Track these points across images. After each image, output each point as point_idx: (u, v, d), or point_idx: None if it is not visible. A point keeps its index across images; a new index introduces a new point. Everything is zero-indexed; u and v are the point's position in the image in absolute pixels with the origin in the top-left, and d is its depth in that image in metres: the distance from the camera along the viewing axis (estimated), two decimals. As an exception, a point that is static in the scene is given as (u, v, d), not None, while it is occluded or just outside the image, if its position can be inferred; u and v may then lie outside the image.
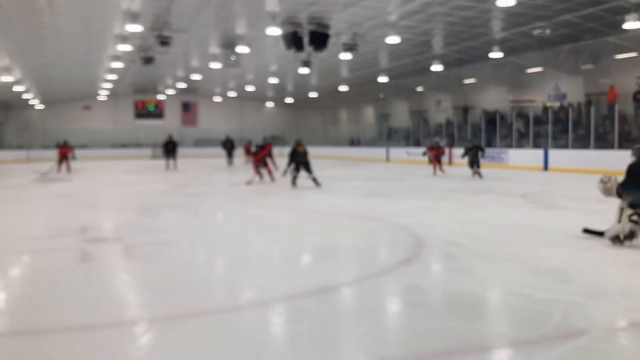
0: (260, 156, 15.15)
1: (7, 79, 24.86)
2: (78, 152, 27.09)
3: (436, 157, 17.66)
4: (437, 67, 26.02)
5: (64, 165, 20.45)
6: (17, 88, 28.97)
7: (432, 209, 9.73)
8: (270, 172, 15.16)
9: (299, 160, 13.47)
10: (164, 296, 4.41)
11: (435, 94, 31.79)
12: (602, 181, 6.21)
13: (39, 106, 38.72)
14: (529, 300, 4.16)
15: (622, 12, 15.64)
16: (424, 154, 18.11)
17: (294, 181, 13.51)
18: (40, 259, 6.02)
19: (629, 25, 15.54)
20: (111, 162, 30.43)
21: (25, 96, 33.44)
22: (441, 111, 31.48)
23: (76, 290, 4.63)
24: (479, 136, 25.17)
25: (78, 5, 15.14)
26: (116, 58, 24.02)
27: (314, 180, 13.43)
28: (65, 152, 20.63)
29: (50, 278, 5.06)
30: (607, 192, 6.13)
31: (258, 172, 15.10)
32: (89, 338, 3.57)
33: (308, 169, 13.50)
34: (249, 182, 14.61)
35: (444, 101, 31.55)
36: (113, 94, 39.06)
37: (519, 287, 4.52)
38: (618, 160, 9.83)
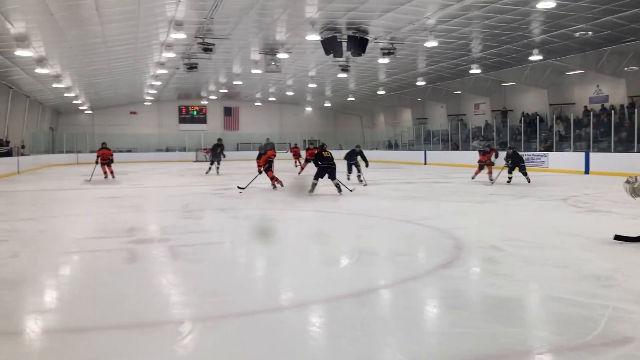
0: (261, 162, 14.35)
1: (59, 85, 25.93)
2: (125, 156, 27.89)
3: (487, 163, 15.99)
4: (475, 70, 25.82)
5: (107, 171, 19.47)
6: (67, 94, 30.16)
7: (472, 213, 9.71)
8: (274, 179, 14.34)
9: (324, 166, 12.89)
10: (208, 296, 4.55)
11: (473, 97, 31.52)
12: (627, 182, 6.11)
13: (88, 111, 40.25)
14: (571, 306, 4.13)
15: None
16: (481, 166, 16.19)
17: (312, 189, 12.83)
18: (89, 258, 6.29)
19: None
20: (156, 165, 31.19)
21: (75, 102, 34.76)
22: (479, 114, 31.19)
23: (123, 290, 4.81)
24: (518, 139, 24.84)
25: (125, 14, 15.68)
26: (161, 65, 24.69)
27: (337, 186, 12.85)
28: (105, 155, 19.51)
29: (99, 277, 5.26)
30: (634, 192, 6.03)
31: (273, 179, 14.42)
32: (136, 336, 3.71)
33: (333, 175, 12.85)
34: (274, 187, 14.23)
35: (483, 104, 31.25)
36: (158, 99, 40.16)
37: (561, 291, 4.49)
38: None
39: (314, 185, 12.89)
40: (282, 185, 14.32)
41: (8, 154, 24.21)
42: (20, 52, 17.31)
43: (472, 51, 22.77)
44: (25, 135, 30.16)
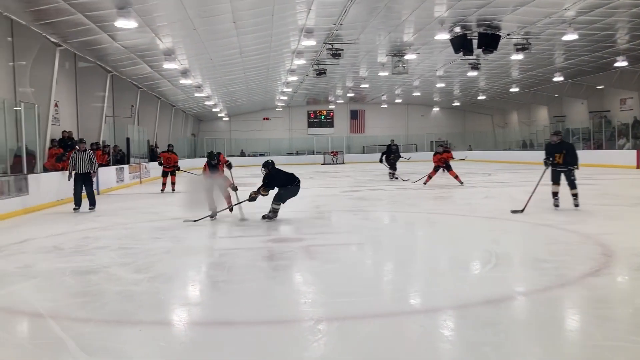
0: (221, 165, 10.25)
1: (200, 95, 27.98)
2: (258, 160, 28.61)
3: None
4: (621, 63, 23.70)
5: (170, 182, 16.09)
6: (207, 103, 32.44)
7: (622, 217, 8.93)
8: (226, 200, 9.98)
9: (282, 184, 9.33)
10: (342, 296, 4.63)
11: (619, 91, 28.99)
12: None
13: (225, 118, 43.10)
14: None
15: None
16: None
17: (269, 215, 9.29)
18: (231, 255, 6.66)
19: None
20: (287, 168, 32.33)
21: (214, 110, 37.33)
22: (626, 110, 28.60)
23: (264, 286, 5.07)
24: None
25: (260, 25, 16.50)
26: (292, 72, 25.65)
27: (268, 215, 9.29)
28: (170, 160, 16.05)
29: (241, 274, 5.57)
30: None
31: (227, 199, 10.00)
32: (278, 332, 3.86)
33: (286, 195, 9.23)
34: (211, 217, 9.61)
35: (630, 99, 28.62)
36: (288, 105, 41.83)
37: None
38: None
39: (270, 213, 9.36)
40: (231, 209, 10.00)
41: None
42: (167, 65, 18.95)
43: (618, 42, 20.94)
44: (171, 142, 32.84)
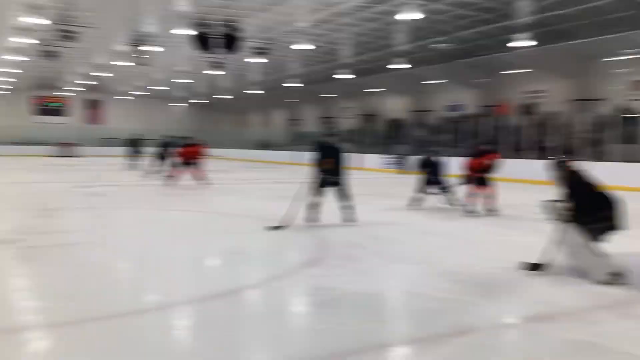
0: None
1: None
2: None
3: (479, 177, 9.38)
4: (344, 75, 26.65)
5: None
6: None
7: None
8: None
9: None
10: (64, 300, 4.35)
11: (343, 101, 32.66)
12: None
13: None
14: (426, 300, 4.42)
15: (511, 31, 16.63)
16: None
17: None
18: None
19: (517, 43, 16.18)
20: (9, 160, 28.39)
21: None
22: (348, 118, 32.33)
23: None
24: (384, 143, 26.08)
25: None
26: (14, 51, 22.70)
27: None
28: None
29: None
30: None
31: None
32: None
33: None
34: None
35: (351, 108, 32.44)
36: (13, 88, 36.94)
37: (420, 287, 4.83)
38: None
39: None
40: None
41: None
42: None
43: (342, 56, 23.59)
44: None
